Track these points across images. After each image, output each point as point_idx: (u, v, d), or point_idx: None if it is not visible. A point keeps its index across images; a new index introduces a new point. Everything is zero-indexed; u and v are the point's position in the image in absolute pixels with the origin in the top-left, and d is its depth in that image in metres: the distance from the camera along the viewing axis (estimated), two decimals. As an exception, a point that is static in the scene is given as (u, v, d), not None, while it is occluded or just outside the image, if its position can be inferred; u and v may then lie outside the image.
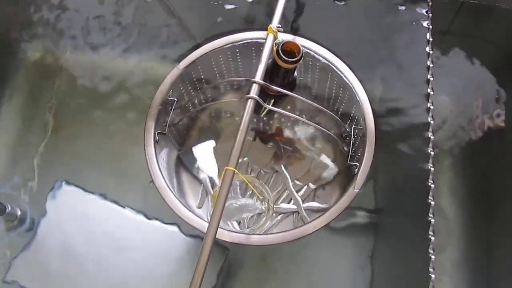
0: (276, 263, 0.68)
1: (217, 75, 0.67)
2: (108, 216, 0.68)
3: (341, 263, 0.67)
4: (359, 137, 0.61)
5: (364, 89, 0.62)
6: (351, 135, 0.60)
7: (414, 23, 0.75)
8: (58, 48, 0.81)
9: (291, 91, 0.59)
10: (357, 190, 0.55)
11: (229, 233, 0.55)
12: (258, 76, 0.52)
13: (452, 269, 0.68)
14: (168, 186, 0.57)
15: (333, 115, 0.58)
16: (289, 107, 0.70)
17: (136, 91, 0.76)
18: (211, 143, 0.71)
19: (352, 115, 0.64)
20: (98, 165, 0.73)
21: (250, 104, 0.50)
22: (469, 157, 0.73)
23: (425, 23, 0.73)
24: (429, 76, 0.67)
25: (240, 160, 0.70)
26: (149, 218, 0.67)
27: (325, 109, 0.57)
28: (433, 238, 0.57)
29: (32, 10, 0.82)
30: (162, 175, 0.58)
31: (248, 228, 0.66)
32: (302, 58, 0.55)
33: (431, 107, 0.66)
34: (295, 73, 0.61)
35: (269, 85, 0.53)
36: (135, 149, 0.64)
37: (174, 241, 0.66)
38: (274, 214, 0.65)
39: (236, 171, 0.46)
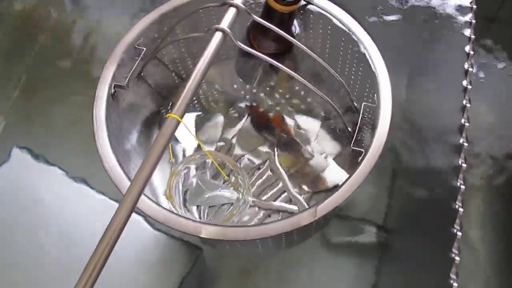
0: (261, 281, 0.57)
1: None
2: (57, 188, 0.62)
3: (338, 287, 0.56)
4: (370, 118, 0.46)
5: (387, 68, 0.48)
6: (360, 112, 0.45)
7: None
8: (43, 5, 0.77)
9: (289, 49, 0.46)
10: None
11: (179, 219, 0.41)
12: (237, -1, 0.37)
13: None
14: (112, 151, 0.44)
15: (341, 80, 0.44)
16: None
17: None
18: (195, 114, 0.60)
19: (366, 91, 0.50)
20: (61, 135, 0.67)
21: (217, 38, 0.36)
22: (507, 178, 0.59)
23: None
24: (466, 65, 0.56)
25: (222, 144, 0.58)
26: (98, 193, 0.60)
27: (332, 70, 0.43)
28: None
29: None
30: (108, 138, 0.45)
31: (208, 218, 0.52)
32: (301, 1, 0.42)
33: (468, 105, 0.55)
34: (294, 29, 0.48)
35: (253, 15, 0.38)
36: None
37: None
38: (248, 209, 0.51)
39: (181, 121, 0.33)
